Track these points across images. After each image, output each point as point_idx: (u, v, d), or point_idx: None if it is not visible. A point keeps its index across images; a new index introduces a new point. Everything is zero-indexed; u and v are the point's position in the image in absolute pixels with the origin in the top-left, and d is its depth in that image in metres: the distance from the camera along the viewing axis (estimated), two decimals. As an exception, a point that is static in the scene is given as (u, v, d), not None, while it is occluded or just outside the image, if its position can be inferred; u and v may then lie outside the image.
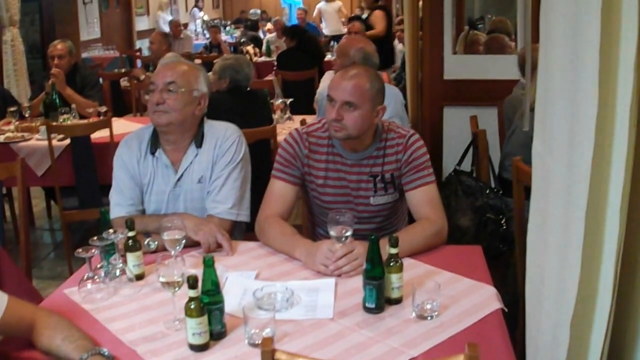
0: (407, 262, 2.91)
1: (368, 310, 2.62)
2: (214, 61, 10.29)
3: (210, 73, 4.98)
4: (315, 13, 17.97)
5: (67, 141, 5.71)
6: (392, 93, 5.00)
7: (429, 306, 2.58)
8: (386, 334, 2.47)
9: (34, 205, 7.68)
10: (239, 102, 5.40)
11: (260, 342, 2.36)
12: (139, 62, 12.36)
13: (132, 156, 3.54)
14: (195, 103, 3.45)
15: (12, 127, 6.43)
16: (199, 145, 3.48)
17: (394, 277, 2.64)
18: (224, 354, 2.37)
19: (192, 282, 2.33)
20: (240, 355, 2.36)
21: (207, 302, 2.38)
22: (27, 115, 6.69)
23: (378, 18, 11.40)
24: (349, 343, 2.40)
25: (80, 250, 2.84)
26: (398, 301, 2.67)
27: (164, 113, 3.37)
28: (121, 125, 6.03)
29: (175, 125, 3.41)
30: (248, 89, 5.67)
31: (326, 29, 16.61)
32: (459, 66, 5.99)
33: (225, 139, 3.50)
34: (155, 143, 3.52)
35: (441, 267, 3.01)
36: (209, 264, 2.42)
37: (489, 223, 4.34)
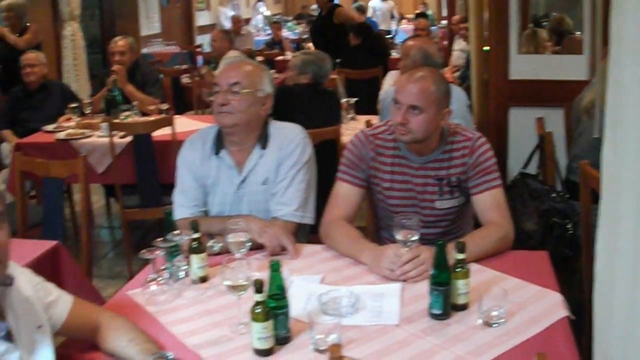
0: (473, 267, 2.87)
1: (434, 316, 2.58)
2: (275, 58, 10.32)
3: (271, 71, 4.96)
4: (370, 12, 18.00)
5: (129, 139, 5.73)
6: (455, 94, 4.95)
7: (495, 313, 2.53)
8: (452, 341, 2.43)
9: (93, 203, 7.67)
10: (316, 99, 5.34)
11: (325, 347, 2.35)
12: (199, 58, 12.42)
13: (196, 157, 3.53)
14: (260, 103, 3.43)
15: (72, 123, 6.50)
16: (264, 146, 3.46)
17: (460, 283, 2.60)
18: (288, 359, 2.36)
19: (258, 286, 2.32)
20: (305, 361, 2.34)
21: (273, 307, 2.37)
22: (87, 112, 6.76)
23: None
24: (415, 350, 2.37)
25: (144, 251, 2.85)
26: (464, 307, 2.63)
27: (229, 114, 3.36)
28: (182, 123, 6.04)
29: (240, 127, 3.40)
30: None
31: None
32: (525, 66, 5.89)
33: (291, 140, 3.48)
34: (219, 143, 3.50)
35: (507, 272, 2.96)
36: (275, 268, 2.40)
37: (555, 227, 4.28)
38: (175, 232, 2.95)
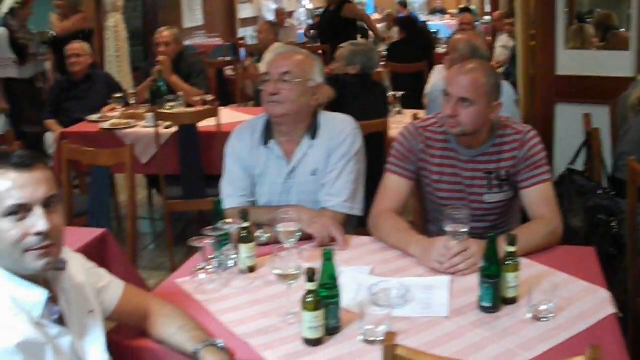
0: (522, 261, 2.84)
1: (483, 309, 2.57)
2: (318, 52, 10.27)
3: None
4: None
5: (173, 129, 5.74)
6: (503, 88, 4.91)
7: (544, 307, 2.52)
8: (502, 334, 2.43)
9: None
10: (364, 91, 5.33)
11: (374, 338, 2.35)
12: (242, 51, 12.43)
13: (245, 147, 3.53)
14: (311, 93, 3.43)
15: (117, 113, 6.53)
16: (314, 136, 3.46)
17: (510, 276, 2.59)
18: (338, 350, 2.36)
19: (310, 275, 2.32)
20: (354, 351, 2.34)
21: (324, 296, 2.37)
22: (131, 102, 6.80)
23: None
24: (465, 343, 2.37)
25: (194, 239, 2.86)
26: (513, 301, 2.62)
27: (279, 104, 3.35)
28: (226, 114, 6.04)
29: (290, 116, 3.39)
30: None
31: None
32: (571, 61, 5.84)
33: (340, 130, 3.47)
34: (268, 134, 3.50)
35: (555, 267, 2.94)
36: (328, 257, 2.40)
37: (601, 224, 4.24)
38: (225, 221, 2.95)
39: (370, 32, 12.08)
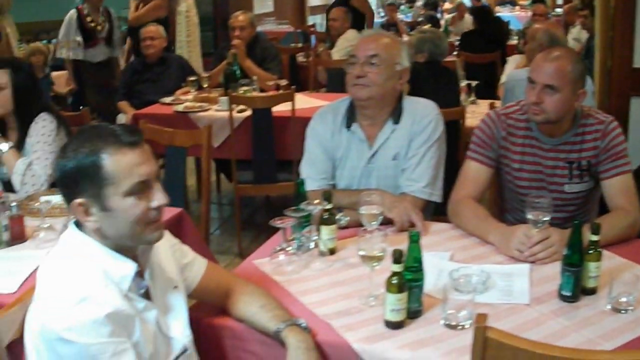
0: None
1: (564, 298, 2.55)
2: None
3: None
4: None
5: (246, 113, 5.79)
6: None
7: (624, 299, 2.49)
8: (582, 324, 2.41)
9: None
10: (434, 78, 5.33)
11: (456, 323, 2.35)
12: (312, 38, 12.45)
13: (327, 129, 3.54)
14: (397, 77, 3.42)
15: (190, 96, 6.59)
16: (397, 121, 3.45)
17: (592, 266, 2.56)
18: (419, 333, 2.36)
19: (397, 256, 2.31)
20: (435, 335, 2.34)
21: (409, 279, 2.37)
22: (205, 86, 6.83)
23: None
24: (546, 330, 2.36)
25: (276, 219, 2.87)
26: (593, 291, 2.60)
27: (365, 87, 3.35)
28: (300, 100, 6.01)
29: (375, 100, 3.39)
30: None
31: None
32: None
33: (423, 115, 3.45)
34: (351, 117, 3.51)
35: (633, 260, 2.90)
36: (414, 239, 2.40)
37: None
38: (308, 202, 2.96)
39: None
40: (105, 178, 2.06)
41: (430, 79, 5.22)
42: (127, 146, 2.09)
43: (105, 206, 2.08)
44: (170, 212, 3.61)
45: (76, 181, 2.08)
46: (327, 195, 2.95)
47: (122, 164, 2.07)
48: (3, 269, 3.01)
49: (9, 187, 3.94)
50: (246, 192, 5.85)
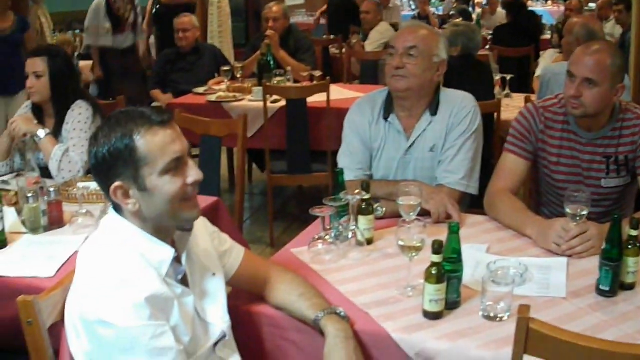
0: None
1: (601, 292, 2.54)
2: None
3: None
4: None
5: (280, 104, 5.80)
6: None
7: (663, 296, 2.47)
8: (620, 319, 2.40)
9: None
10: (468, 71, 5.30)
11: (495, 314, 2.35)
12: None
13: (364, 120, 3.53)
14: (434, 69, 3.41)
15: (223, 86, 6.60)
16: (434, 112, 3.44)
17: (631, 261, 2.54)
18: (457, 324, 2.36)
19: (437, 247, 2.31)
20: (474, 327, 2.34)
21: (448, 270, 2.37)
22: (238, 76, 6.84)
23: None
24: (584, 324, 2.34)
25: (315, 208, 2.87)
26: (631, 287, 2.58)
27: (403, 78, 3.35)
28: (334, 91, 5.95)
29: (413, 91, 3.39)
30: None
31: None
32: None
33: (461, 107, 3.44)
34: (389, 108, 3.50)
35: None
36: (454, 230, 2.40)
37: None
38: (346, 192, 2.96)
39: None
40: (140, 159, 2.08)
41: (463, 73, 5.19)
42: (158, 125, 2.10)
43: (143, 187, 2.10)
44: (206, 201, 3.63)
45: (112, 166, 2.10)
46: (365, 185, 2.96)
47: (155, 143, 2.08)
48: (41, 254, 3.05)
49: (46, 173, 3.97)
50: (279, 182, 5.88)
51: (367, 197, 2.94)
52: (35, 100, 4.14)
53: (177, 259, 2.24)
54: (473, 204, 3.60)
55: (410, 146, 3.46)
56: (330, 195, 2.98)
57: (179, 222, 2.21)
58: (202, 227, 2.44)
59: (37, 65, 4.06)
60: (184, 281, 2.26)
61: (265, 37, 6.88)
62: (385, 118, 3.49)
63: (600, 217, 3.16)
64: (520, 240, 3.04)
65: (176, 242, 2.27)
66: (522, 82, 6.96)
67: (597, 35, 5.00)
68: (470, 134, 3.42)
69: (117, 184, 2.10)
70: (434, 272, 2.32)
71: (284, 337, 2.52)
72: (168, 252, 2.17)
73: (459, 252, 2.41)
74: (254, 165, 7.49)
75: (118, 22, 8.34)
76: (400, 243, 2.51)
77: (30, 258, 3.03)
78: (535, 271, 2.70)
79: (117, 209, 2.21)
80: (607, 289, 2.53)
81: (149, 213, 2.14)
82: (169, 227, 2.21)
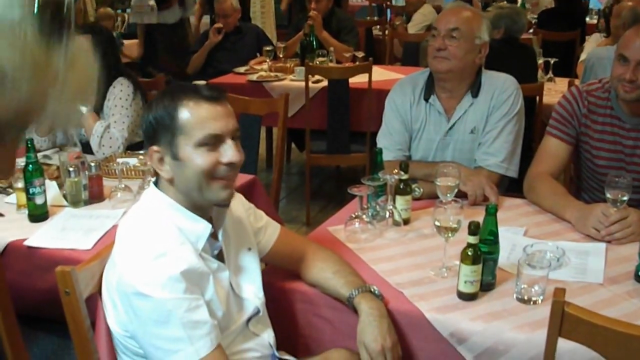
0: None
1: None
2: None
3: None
4: None
5: (321, 84, 5.79)
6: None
7: None
8: (658, 307, 2.36)
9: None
10: (511, 55, 5.23)
11: (529, 297, 2.33)
12: (388, 11, 12.39)
13: (405, 100, 3.52)
14: (476, 51, 3.39)
15: (264, 66, 6.62)
16: (475, 94, 3.42)
17: (670, 249, 2.51)
18: (492, 306, 2.35)
19: (473, 228, 2.30)
20: (508, 309, 2.33)
21: (484, 251, 2.36)
22: (281, 56, 6.84)
23: None
24: (620, 311, 2.31)
25: (352, 187, 2.87)
26: (671, 275, 2.53)
27: (445, 60, 3.34)
28: (376, 72, 5.93)
29: (455, 73, 3.37)
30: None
31: None
32: None
33: (503, 90, 3.42)
34: (430, 89, 3.49)
35: None
36: (491, 212, 2.39)
37: None
38: (384, 171, 2.96)
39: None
40: (178, 127, 2.10)
41: (506, 56, 5.13)
42: (204, 99, 2.12)
43: (176, 155, 2.13)
44: (243, 179, 3.66)
45: (154, 129, 2.15)
46: (403, 166, 2.94)
47: (196, 115, 2.11)
48: (81, 227, 3.10)
49: (86, 149, 4.03)
50: (318, 162, 5.88)
51: (405, 177, 2.93)
52: None
53: (213, 235, 2.25)
54: (510, 187, 3.57)
55: (451, 128, 3.45)
56: (367, 176, 2.96)
57: (206, 199, 2.20)
58: (239, 203, 2.46)
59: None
60: (219, 256, 2.29)
61: (309, 17, 6.88)
62: (426, 99, 3.48)
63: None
64: (559, 224, 3.01)
65: (213, 218, 2.28)
66: (567, 67, 6.88)
67: (644, 18, 4.92)
68: (511, 116, 3.39)
69: (155, 147, 2.15)
70: (469, 253, 2.32)
71: (317, 314, 2.53)
72: (205, 227, 2.19)
73: (495, 234, 2.39)
74: (293, 145, 7.48)
75: None
76: (437, 224, 2.50)
77: (70, 230, 3.09)
78: (573, 256, 2.68)
79: (157, 183, 2.24)
80: (646, 275, 2.48)
81: (180, 184, 2.17)
82: (203, 203, 2.22)
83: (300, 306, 2.56)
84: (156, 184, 2.25)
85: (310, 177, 5.92)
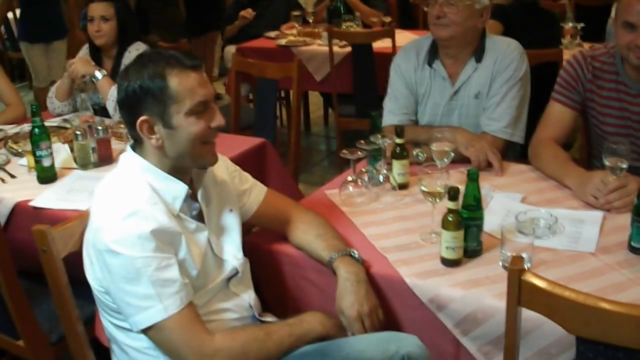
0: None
1: (633, 249, 2.45)
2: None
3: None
4: None
5: (348, 49, 5.77)
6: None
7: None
8: (646, 277, 2.32)
9: (312, 112, 7.84)
10: (529, 19, 5.12)
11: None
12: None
13: (410, 65, 3.51)
14: (478, 15, 3.34)
15: (294, 31, 6.63)
16: (479, 59, 3.39)
17: (664, 218, 2.46)
18: (475, 273, 2.35)
19: (453, 194, 2.30)
20: (491, 276, 2.32)
21: (466, 217, 2.35)
22: (310, 21, 6.86)
23: None
24: (607, 281, 2.28)
25: (345, 151, 2.88)
26: (664, 244, 2.49)
27: (445, 27, 3.30)
28: (404, 37, 5.86)
29: (456, 39, 3.34)
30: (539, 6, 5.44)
31: None
32: None
33: (506, 54, 3.37)
34: (433, 54, 3.46)
35: None
36: (473, 177, 2.37)
37: None
38: (379, 135, 2.95)
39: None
40: (170, 97, 2.16)
41: (528, 22, 5.05)
42: (190, 68, 2.19)
43: (169, 124, 2.19)
44: (252, 142, 3.74)
45: (140, 100, 2.18)
46: (399, 130, 2.93)
47: (185, 84, 2.17)
48: (87, 188, 3.18)
49: (105, 113, 4.13)
50: (347, 126, 5.88)
51: (399, 141, 2.93)
52: (101, 42, 4.30)
53: (192, 196, 2.33)
54: (524, 154, 3.53)
55: (455, 92, 3.42)
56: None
57: (198, 164, 2.31)
58: (222, 166, 2.51)
59: (105, 9, 4.24)
60: (200, 217, 2.34)
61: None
62: (430, 64, 3.46)
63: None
64: (561, 191, 2.97)
65: (193, 180, 2.35)
66: (599, 32, 6.72)
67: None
68: (515, 81, 3.35)
69: (143, 117, 2.19)
70: (450, 219, 2.31)
71: (303, 277, 2.56)
72: (181, 188, 2.25)
73: (478, 200, 2.38)
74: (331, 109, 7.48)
75: None
76: (423, 189, 2.51)
77: (75, 192, 3.19)
78: (568, 224, 2.64)
79: (136, 147, 2.30)
80: (639, 245, 2.44)
81: (171, 151, 2.23)
82: (187, 167, 2.29)
83: (288, 268, 2.60)
84: (134, 147, 2.31)
85: (346, 141, 5.91)
